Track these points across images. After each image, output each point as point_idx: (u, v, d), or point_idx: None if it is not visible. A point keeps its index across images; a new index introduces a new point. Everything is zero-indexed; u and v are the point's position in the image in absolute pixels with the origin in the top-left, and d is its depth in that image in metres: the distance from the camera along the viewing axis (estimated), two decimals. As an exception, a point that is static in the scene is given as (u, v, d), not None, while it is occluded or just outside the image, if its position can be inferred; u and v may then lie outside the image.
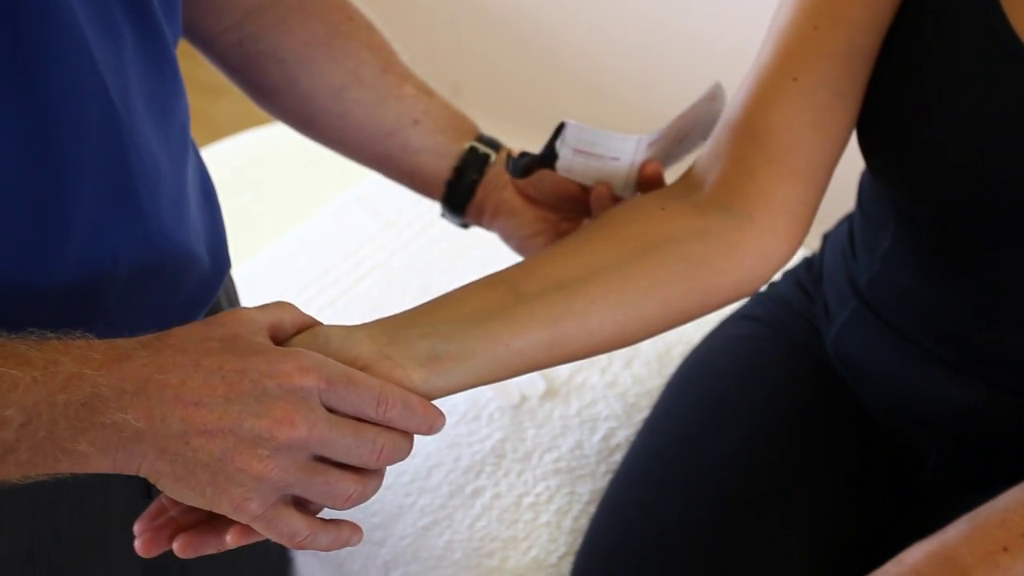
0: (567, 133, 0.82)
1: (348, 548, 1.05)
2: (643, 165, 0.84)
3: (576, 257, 0.74)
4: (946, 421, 0.88)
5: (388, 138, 0.89)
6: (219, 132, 2.01)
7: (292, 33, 0.87)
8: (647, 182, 0.84)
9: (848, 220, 1.00)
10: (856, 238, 0.95)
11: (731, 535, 0.87)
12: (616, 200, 0.85)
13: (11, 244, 0.62)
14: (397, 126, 0.89)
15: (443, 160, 0.90)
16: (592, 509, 1.04)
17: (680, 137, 0.87)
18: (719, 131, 0.81)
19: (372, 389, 0.59)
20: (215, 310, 0.89)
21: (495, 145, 0.91)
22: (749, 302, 1.10)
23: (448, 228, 1.45)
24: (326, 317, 1.30)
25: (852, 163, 1.00)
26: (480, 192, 0.90)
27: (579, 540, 1.01)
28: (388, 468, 0.91)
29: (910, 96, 0.78)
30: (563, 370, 1.19)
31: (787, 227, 0.78)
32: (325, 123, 0.90)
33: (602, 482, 1.07)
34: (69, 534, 0.77)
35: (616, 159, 0.83)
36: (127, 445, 0.55)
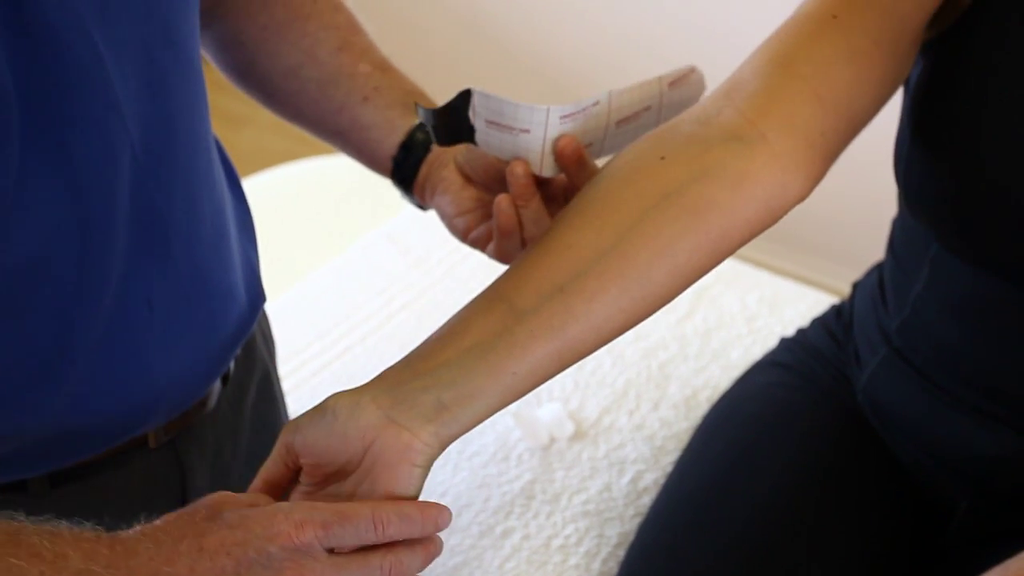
0: (475, 102, 0.76)
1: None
2: (557, 140, 0.77)
3: (570, 249, 0.69)
4: (975, 469, 0.89)
5: (339, 114, 0.89)
6: (241, 163, 2.03)
7: (253, 18, 0.88)
8: (564, 159, 0.77)
9: (878, 269, 1.01)
10: (887, 285, 0.96)
11: (762, 583, 0.88)
12: (536, 178, 0.78)
13: (57, 291, 0.64)
14: (347, 102, 0.89)
15: (391, 136, 0.88)
16: (620, 552, 1.05)
17: (623, 118, 0.80)
18: (743, 64, 0.76)
19: (364, 517, 0.60)
20: (250, 346, 0.91)
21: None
22: (778, 349, 1.11)
23: (477, 266, 1.47)
24: (356, 355, 1.32)
25: (883, 212, 1.01)
26: (425, 168, 0.88)
27: (608, 583, 1.02)
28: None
29: (949, 123, 0.78)
30: (591, 412, 1.21)
31: (805, 154, 0.72)
32: (282, 100, 0.92)
33: (631, 525, 1.08)
34: None
35: (526, 131, 0.77)
36: None
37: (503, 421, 1.19)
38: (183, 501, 0.81)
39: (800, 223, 2.27)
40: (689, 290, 1.36)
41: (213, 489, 0.83)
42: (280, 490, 0.67)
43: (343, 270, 1.49)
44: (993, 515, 0.91)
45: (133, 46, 0.64)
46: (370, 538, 0.60)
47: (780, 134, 0.71)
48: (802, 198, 0.73)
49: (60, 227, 0.62)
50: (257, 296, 0.85)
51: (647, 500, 1.10)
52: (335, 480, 0.65)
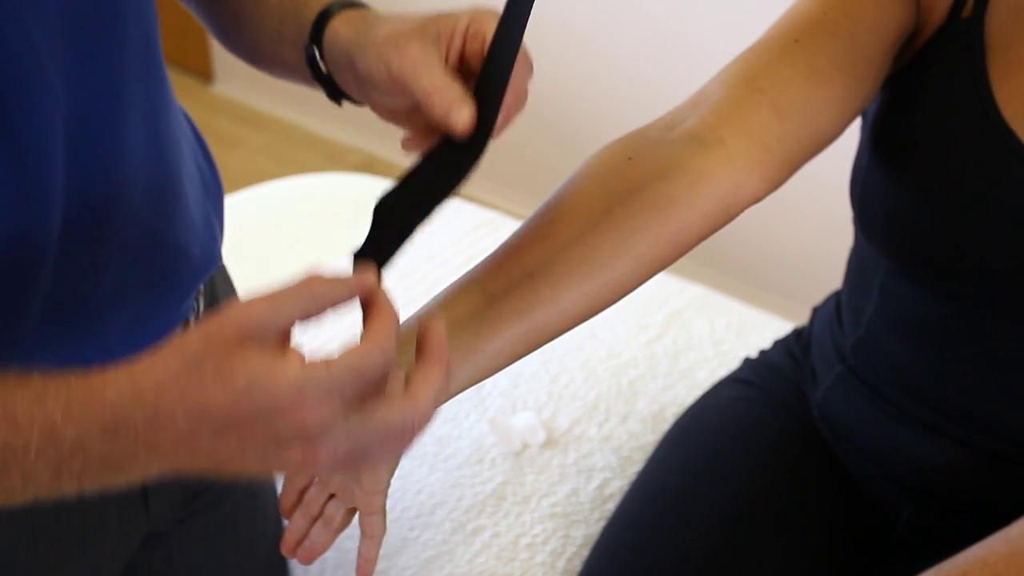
0: None
1: (352, 577, 1.11)
2: None
3: (542, 239, 0.75)
4: (918, 479, 0.95)
5: (270, 57, 0.90)
6: (231, 184, 2.07)
7: None
8: None
9: (836, 295, 1.08)
10: (843, 308, 1.03)
11: (720, 577, 0.94)
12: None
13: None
14: (268, 45, 0.89)
15: (303, 66, 0.85)
16: (584, 552, 1.10)
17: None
18: (710, 80, 0.83)
19: (378, 365, 0.59)
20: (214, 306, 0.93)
21: (326, 17, 0.82)
22: (742, 367, 1.17)
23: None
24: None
25: (841, 245, 1.09)
26: (339, 79, 0.83)
27: (572, 580, 1.07)
28: (393, 504, 0.94)
29: (900, 151, 0.86)
30: (563, 422, 1.27)
31: (760, 157, 0.77)
32: (233, 49, 0.93)
33: (595, 528, 1.13)
34: (69, 509, 0.82)
35: None
36: (160, 474, 0.57)
37: (478, 427, 1.25)
38: None
39: (773, 266, 2.35)
40: (661, 313, 1.44)
41: None
42: None
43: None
44: (932, 522, 0.97)
45: (63, 23, 0.67)
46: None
47: (736, 138, 0.78)
48: (757, 198, 0.80)
49: (2, 194, 0.66)
50: (213, 255, 0.89)
51: (612, 506, 1.15)
52: None
